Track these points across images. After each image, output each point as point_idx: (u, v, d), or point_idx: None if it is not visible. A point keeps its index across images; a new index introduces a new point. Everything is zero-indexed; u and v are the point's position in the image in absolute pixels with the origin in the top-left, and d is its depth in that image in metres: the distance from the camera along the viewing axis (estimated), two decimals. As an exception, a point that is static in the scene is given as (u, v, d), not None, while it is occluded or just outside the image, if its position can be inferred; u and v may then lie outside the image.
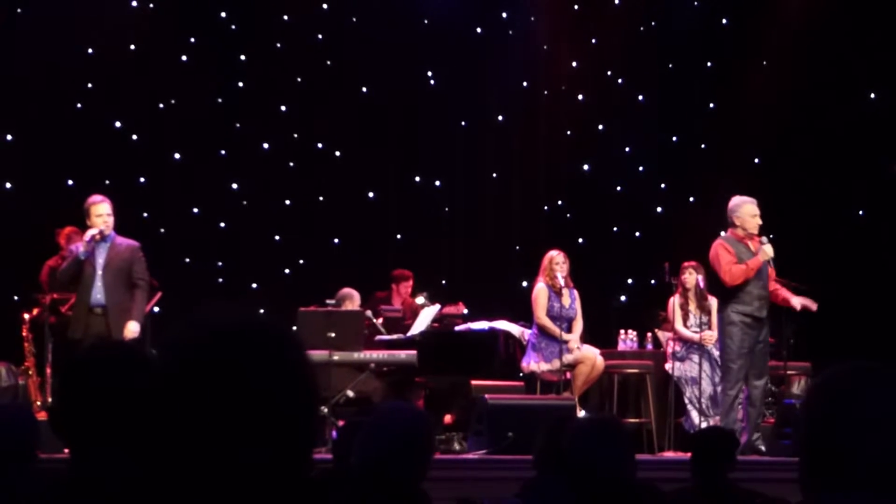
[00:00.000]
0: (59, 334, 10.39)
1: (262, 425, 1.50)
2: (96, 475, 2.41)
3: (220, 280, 13.65)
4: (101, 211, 9.67)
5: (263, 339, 1.55)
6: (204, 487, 1.48)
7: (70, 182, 12.97)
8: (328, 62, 14.07)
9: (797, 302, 10.35)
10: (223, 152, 13.72)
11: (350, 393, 10.02)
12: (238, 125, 13.76)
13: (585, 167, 14.59)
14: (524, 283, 12.76)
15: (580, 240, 14.04)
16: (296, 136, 13.95)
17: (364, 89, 14.17)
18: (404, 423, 3.59)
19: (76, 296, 9.77)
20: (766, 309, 10.06)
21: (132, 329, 9.53)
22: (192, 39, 13.62)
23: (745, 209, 10.11)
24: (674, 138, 14.58)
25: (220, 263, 13.71)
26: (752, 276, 9.93)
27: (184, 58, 13.54)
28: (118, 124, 13.31)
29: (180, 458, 1.49)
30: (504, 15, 14.51)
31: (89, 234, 9.62)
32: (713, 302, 11.10)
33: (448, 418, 10.77)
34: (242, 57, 13.86)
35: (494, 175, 14.47)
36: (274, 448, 1.50)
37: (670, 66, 14.47)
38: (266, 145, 13.88)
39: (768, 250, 9.96)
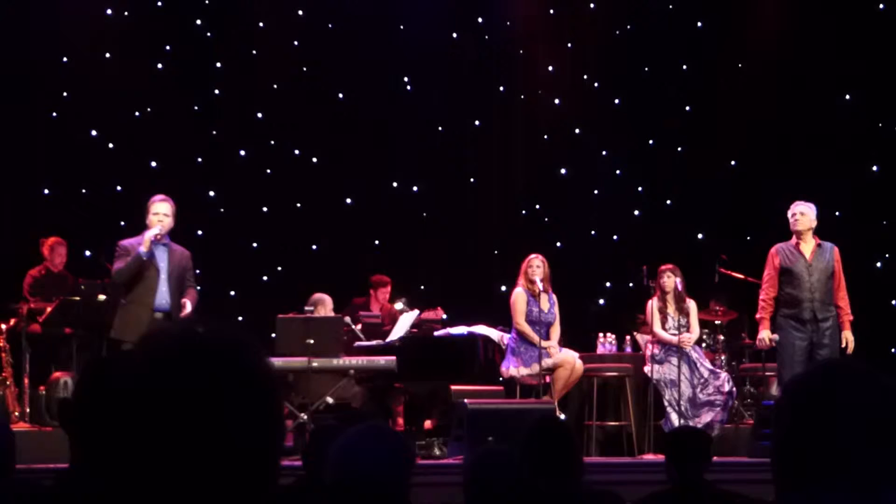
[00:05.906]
0: (37, 342, 10.32)
1: (212, 448, 1.48)
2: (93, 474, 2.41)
3: (198, 288, 13.57)
4: (158, 209, 9.34)
5: (215, 360, 1.53)
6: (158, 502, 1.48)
7: (46, 191, 12.92)
8: (304, 69, 14.06)
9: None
10: (200, 160, 13.69)
11: (329, 399, 10.00)
12: (214, 132, 13.73)
13: (563, 171, 14.61)
14: (503, 288, 12.76)
15: (558, 244, 14.05)
16: (272, 142, 13.93)
17: (340, 95, 14.17)
18: (385, 445, 3.50)
19: (134, 297, 9.21)
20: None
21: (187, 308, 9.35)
22: (168, 47, 13.60)
23: None
24: (650, 141, 14.61)
25: (197, 271, 13.64)
26: None
27: (160, 66, 13.52)
28: (94, 133, 13.27)
29: (133, 473, 1.49)
30: (480, 20, 14.52)
31: (150, 233, 9.18)
32: (691, 304, 11.13)
33: (428, 423, 10.76)
34: (218, 64, 13.84)
35: (472, 180, 14.48)
36: (225, 467, 1.49)
37: (646, 69, 14.50)
38: (243, 152, 13.86)
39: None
